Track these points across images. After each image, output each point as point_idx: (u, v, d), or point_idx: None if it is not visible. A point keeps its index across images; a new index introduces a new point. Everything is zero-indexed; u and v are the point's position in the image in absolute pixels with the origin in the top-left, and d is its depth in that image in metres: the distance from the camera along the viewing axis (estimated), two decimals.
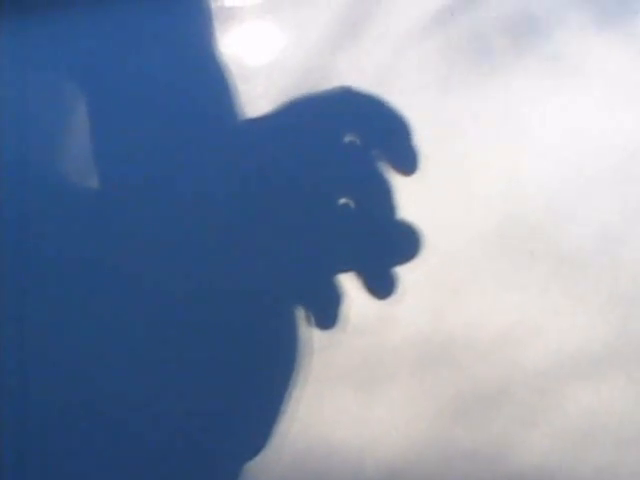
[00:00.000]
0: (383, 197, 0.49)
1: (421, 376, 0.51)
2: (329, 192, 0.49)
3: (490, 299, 0.51)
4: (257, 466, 0.50)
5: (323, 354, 0.50)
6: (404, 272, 0.50)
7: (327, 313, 0.49)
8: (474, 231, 0.50)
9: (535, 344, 0.51)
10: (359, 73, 0.49)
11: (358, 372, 0.50)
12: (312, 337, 0.49)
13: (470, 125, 0.50)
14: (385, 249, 0.49)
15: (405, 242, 0.49)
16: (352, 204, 0.49)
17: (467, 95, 0.50)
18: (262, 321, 0.49)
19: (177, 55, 0.48)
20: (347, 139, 0.49)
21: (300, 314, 0.49)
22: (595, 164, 0.51)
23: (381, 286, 0.49)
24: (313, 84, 0.49)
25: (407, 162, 0.49)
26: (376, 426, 0.51)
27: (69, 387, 0.49)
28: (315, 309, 0.49)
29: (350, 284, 0.50)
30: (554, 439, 0.52)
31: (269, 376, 0.49)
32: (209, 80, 0.49)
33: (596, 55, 0.51)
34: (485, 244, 0.50)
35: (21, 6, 0.47)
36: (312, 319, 0.49)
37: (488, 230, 0.51)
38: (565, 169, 0.51)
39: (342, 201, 0.49)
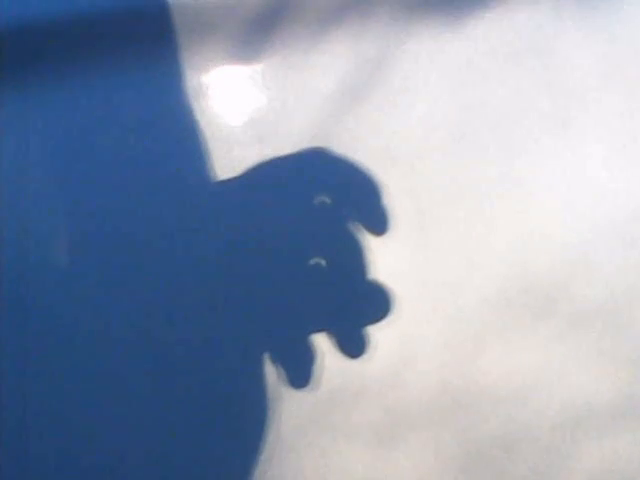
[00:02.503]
0: (354, 257, 0.49)
1: (428, 436, 0.51)
2: (301, 252, 0.49)
3: (495, 360, 0.51)
4: None
5: (330, 415, 0.50)
6: (412, 333, 0.50)
7: (299, 372, 0.49)
8: (479, 293, 0.51)
9: (540, 404, 0.51)
10: (353, 137, 0.50)
11: (365, 432, 0.51)
12: (320, 398, 0.50)
13: (474, 188, 0.51)
14: (356, 309, 0.49)
15: (375, 302, 0.49)
16: (324, 263, 0.49)
17: (471, 158, 0.51)
18: (235, 378, 0.49)
19: (159, 127, 0.49)
20: (319, 199, 0.49)
21: (273, 373, 0.49)
22: (598, 225, 0.52)
23: (352, 345, 0.49)
24: (307, 148, 0.50)
25: (378, 222, 0.49)
26: None
27: (71, 446, 0.49)
28: (287, 368, 0.49)
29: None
30: None
31: (242, 431, 0.50)
32: (187, 147, 0.49)
33: (599, 117, 0.52)
34: (490, 306, 0.51)
35: (20, 80, 0.48)
36: (285, 378, 0.49)
37: (493, 293, 0.51)
38: (568, 230, 0.51)
39: (314, 260, 0.49)
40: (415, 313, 0.50)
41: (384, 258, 0.50)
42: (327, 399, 0.50)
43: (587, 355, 0.52)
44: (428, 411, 0.51)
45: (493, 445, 0.52)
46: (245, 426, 0.50)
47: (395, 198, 0.50)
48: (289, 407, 0.50)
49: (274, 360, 0.49)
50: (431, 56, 0.51)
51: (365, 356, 0.49)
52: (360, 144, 0.50)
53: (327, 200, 0.49)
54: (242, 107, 0.50)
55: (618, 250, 0.52)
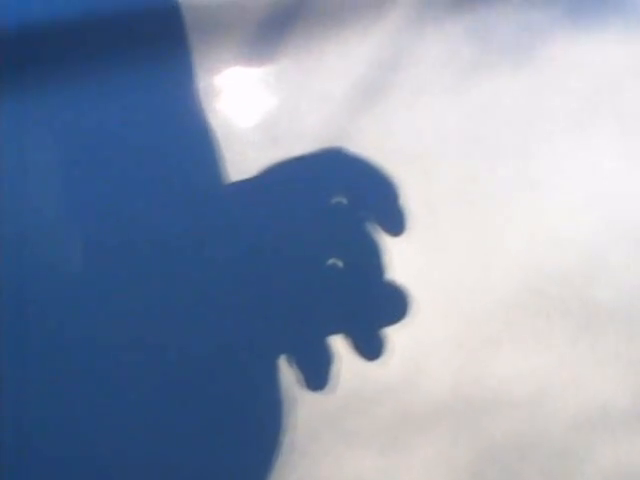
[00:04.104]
0: (371, 257, 0.49)
1: (441, 440, 0.51)
2: (317, 253, 0.49)
3: (510, 364, 0.51)
4: None
5: (344, 419, 0.49)
6: (426, 336, 0.50)
7: (317, 375, 0.49)
8: (493, 296, 0.51)
9: (555, 408, 0.51)
10: (366, 139, 0.50)
11: (379, 437, 0.50)
12: (333, 403, 0.49)
13: (488, 189, 0.51)
14: (373, 310, 0.49)
15: (392, 303, 0.49)
16: (340, 264, 0.49)
17: (485, 160, 0.51)
18: (251, 382, 0.49)
19: (169, 128, 0.49)
20: (335, 200, 0.49)
21: (290, 376, 0.49)
22: (613, 227, 0.52)
23: (369, 348, 0.49)
24: (322, 149, 0.50)
25: (395, 223, 0.49)
26: None
27: (70, 448, 0.48)
28: (305, 370, 0.48)
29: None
30: None
31: (258, 435, 0.49)
32: (199, 149, 0.49)
33: (613, 117, 0.52)
34: (504, 309, 0.51)
35: (20, 82, 0.48)
36: (303, 381, 0.48)
37: (507, 295, 0.51)
38: (583, 232, 0.51)
39: (330, 262, 0.49)
40: (428, 316, 0.50)
41: (396, 260, 0.49)
42: (340, 404, 0.50)
43: (602, 358, 0.52)
44: (442, 415, 0.51)
45: (507, 449, 0.51)
46: (261, 430, 0.49)
47: (409, 199, 0.50)
48: (302, 412, 0.49)
49: (291, 363, 0.48)
50: (444, 57, 0.51)
51: (380, 359, 0.49)
52: (373, 145, 0.50)
53: (343, 201, 0.49)
54: (255, 109, 0.50)
55: (634, 252, 0.52)
